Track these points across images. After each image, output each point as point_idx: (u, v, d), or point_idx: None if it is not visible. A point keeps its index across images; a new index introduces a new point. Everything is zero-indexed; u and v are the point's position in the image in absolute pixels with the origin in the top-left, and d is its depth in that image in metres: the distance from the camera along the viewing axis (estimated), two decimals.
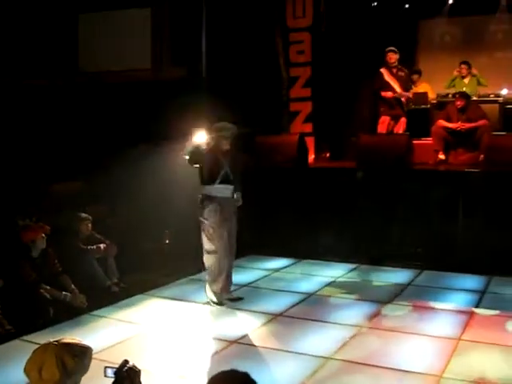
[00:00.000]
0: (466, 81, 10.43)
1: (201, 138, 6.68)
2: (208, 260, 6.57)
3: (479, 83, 10.35)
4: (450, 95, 10.20)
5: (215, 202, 6.46)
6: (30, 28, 10.68)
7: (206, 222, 6.48)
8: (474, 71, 10.40)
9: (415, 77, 10.92)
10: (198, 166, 6.57)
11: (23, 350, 4.49)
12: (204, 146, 6.59)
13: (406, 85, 9.98)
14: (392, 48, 9.86)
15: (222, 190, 6.50)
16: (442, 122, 9.34)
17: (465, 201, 7.99)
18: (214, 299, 6.57)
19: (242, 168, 6.82)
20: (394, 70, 9.90)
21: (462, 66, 10.38)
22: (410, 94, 10.06)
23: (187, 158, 6.60)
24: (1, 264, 6.15)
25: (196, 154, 6.53)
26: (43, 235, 6.45)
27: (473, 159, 9.07)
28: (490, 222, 7.70)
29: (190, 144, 6.60)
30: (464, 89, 10.06)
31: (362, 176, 8.57)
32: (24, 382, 2.72)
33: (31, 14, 10.66)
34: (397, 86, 9.82)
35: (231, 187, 6.57)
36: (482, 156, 8.74)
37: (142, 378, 2.77)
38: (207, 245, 6.53)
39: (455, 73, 10.54)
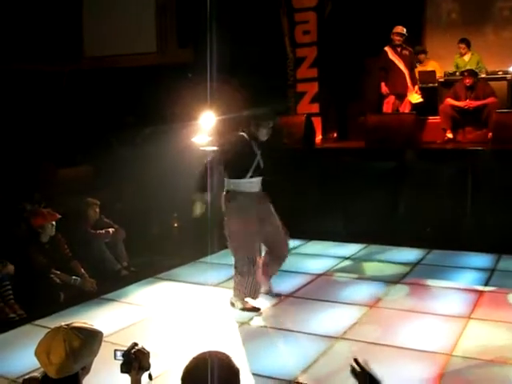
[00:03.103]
0: (467, 58, 10.33)
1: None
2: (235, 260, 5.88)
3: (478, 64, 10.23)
4: (457, 73, 10.12)
5: (242, 199, 5.68)
6: (33, 13, 10.65)
7: (229, 220, 5.74)
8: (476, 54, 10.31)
9: (422, 56, 10.81)
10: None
11: (35, 334, 4.55)
12: (232, 139, 5.83)
13: (411, 63, 9.90)
14: (400, 31, 9.77)
15: (251, 185, 5.72)
16: (450, 101, 9.29)
17: (473, 179, 7.95)
18: (239, 305, 5.90)
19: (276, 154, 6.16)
20: (399, 49, 9.84)
21: (461, 45, 10.27)
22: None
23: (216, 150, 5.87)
24: (11, 250, 6.20)
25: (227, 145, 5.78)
26: (52, 223, 6.47)
27: (481, 137, 9.03)
28: (498, 200, 7.67)
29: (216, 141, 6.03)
30: (467, 67, 10.01)
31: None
32: (36, 365, 2.75)
33: None
34: (401, 65, 9.76)
35: (260, 179, 5.81)
36: (490, 134, 8.68)
37: (152, 361, 2.80)
38: (231, 245, 5.85)
39: (456, 54, 10.48)
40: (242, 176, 5.68)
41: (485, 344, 4.89)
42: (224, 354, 2.36)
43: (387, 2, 10.66)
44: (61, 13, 11.20)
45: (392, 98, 9.91)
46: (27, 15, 10.53)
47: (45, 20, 10.80)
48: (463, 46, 10.25)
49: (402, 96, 9.91)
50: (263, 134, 5.69)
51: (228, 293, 6.20)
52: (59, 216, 6.56)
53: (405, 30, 9.82)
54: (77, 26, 11.70)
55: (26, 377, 2.75)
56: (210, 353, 2.34)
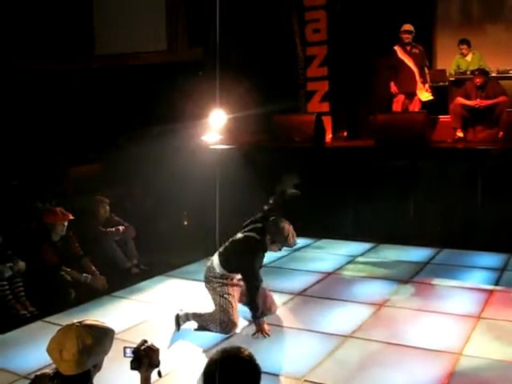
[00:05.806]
0: (469, 58, 10.28)
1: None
2: None
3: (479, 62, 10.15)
4: (468, 72, 10.08)
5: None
6: (45, 12, 10.70)
7: None
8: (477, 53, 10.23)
9: (464, 48, 10.34)
10: None
11: (46, 331, 4.59)
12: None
13: (421, 62, 9.85)
14: (407, 29, 9.72)
15: None
16: (461, 100, 9.24)
17: (484, 178, 7.92)
18: None
19: None
20: (408, 48, 9.79)
21: (462, 46, 10.23)
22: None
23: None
24: (23, 247, 6.23)
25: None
26: (64, 223, 6.48)
27: (492, 136, 8.98)
28: (509, 200, 7.62)
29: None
30: (470, 67, 9.97)
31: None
32: (47, 362, 2.77)
33: None
34: (411, 64, 9.72)
35: None
36: (501, 133, 8.64)
37: (161, 358, 2.81)
38: None
39: (457, 55, 10.43)
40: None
41: (495, 343, 4.88)
42: (247, 351, 2.33)
43: (398, 0, 10.63)
44: (72, 11, 11.25)
45: (401, 97, 9.86)
46: (38, 14, 10.59)
47: (56, 19, 10.86)
48: (464, 46, 10.23)
49: (411, 95, 9.86)
50: (272, 249, 5.40)
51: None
52: (71, 217, 6.56)
53: (412, 27, 9.76)
54: (88, 24, 11.76)
55: (38, 373, 2.77)
56: (232, 349, 2.33)
